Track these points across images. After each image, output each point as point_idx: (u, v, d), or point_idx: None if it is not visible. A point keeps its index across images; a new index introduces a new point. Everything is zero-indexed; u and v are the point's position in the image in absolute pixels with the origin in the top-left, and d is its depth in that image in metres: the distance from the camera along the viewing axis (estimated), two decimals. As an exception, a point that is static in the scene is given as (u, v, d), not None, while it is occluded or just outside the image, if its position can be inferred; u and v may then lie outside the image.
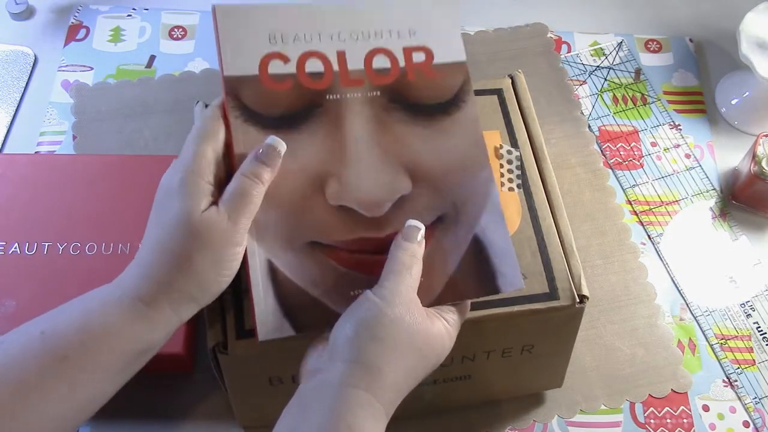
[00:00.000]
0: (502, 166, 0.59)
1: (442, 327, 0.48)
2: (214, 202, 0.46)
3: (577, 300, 0.54)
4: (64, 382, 0.44)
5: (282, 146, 0.48)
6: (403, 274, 0.47)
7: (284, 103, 0.49)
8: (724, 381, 0.68)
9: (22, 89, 0.83)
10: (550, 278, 0.54)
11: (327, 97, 0.49)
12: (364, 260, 0.49)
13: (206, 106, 0.61)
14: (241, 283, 0.54)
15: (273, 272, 0.48)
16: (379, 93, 0.50)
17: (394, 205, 0.49)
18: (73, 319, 0.45)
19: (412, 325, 0.46)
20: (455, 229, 0.50)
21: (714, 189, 0.79)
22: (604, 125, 0.83)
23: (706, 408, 0.67)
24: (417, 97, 0.51)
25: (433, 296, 0.49)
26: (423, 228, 0.49)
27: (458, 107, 0.52)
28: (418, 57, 0.52)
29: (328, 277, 0.48)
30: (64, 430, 0.45)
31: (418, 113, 0.51)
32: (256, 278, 0.48)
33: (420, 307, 0.47)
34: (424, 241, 0.49)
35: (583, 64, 0.87)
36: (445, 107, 0.51)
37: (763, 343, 0.70)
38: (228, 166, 0.48)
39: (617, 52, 0.88)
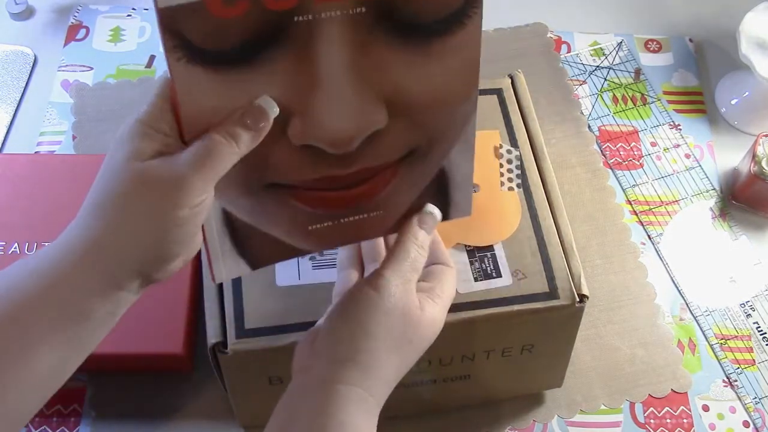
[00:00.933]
0: (501, 165, 0.59)
1: (434, 311, 0.47)
2: (167, 154, 0.39)
3: (577, 299, 0.54)
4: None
5: (274, 110, 0.40)
6: (404, 264, 0.46)
7: (238, 32, 0.38)
8: (724, 381, 0.68)
9: (22, 89, 0.83)
10: (550, 278, 0.54)
11: (294, 18, 0.38)
12: (326, 197, 0.45)
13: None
14: (241, 282, 0.54)
15: (228, 218, 0.44)
16: (364, 9, 0.39)
17: (365, 139, 0.42)
18: (15, 284, 0.39)
19: (405, 316, 0.45)
20: (423, 164, 0.46)
21: (714, 189, 0.79)
22: (604, 125, 0.83)
23: (706, 408, 0.67)
24: (414, 11, 0.40)
25: (388, 227, 0.48)
26: (440, 216, 0.48)
27: (462, 24, 0.41)
28: None
29: (289, 217, 0.45)
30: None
31: (411, 34, 0.40)
32: (211, 228, 0.44)
33: (414, 296, 0.46)
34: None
35: (583, 64, 0.87)
36: (447, 25, 0.41)
37: (763, 343, 0.70)
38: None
39: (617, 52, 0.88)
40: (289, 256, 0.48)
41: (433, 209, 0.48)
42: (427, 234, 0.47)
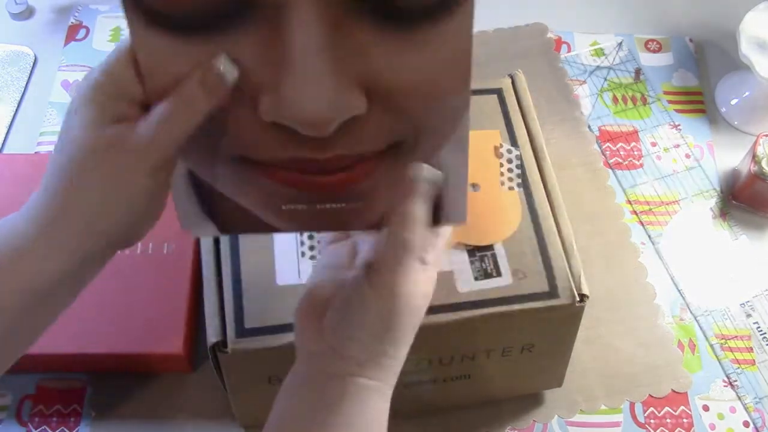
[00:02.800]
0: (502, 165, 0.59)
1: (428, 283, 0.44)
2: (126, 120, 0.39)
3: (578, 299, 0.54)
4: None
5: (233, 73, 0.38)
6: (406, 256, 0.42)
7: None
8: (724, 381, 0.68)
9: (22, 89, 0.83)
10: (551, 277, 0.54)
11: None
12: (299, 179, 0.42)
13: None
14: (240, 281, 0.54)
15: (196, 179, 0.43)
16: None
17: (342, 125, 0.39)
18: None
19: (413, 310, 0.44)
20: (409, 159, 0.43)
21: (714, 189, 0.79)
22: (604, 125, 0.83)
23: (706, 408, 0.67)
24: None
25: (369, 221, 0.46)
26: (425, 173, 0.43)
27: (450, 11, 0.38)
28: None
29: (259, 192, 0.43)
30: None
31: (392, 18, 0.37)
32: (177, 186, 0.43)
33: (419, 284, 0.43)
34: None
35: (583, 64, 0.87)
36: (432, 10, 0.38)
37: (763, 343, 0.70)
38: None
39: (617, 52, 0.88)
40: (263, 231, 0.45)
41: (417, 169, 0.42)
42: (420, 206, 0.42)
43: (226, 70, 0.37)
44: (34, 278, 0.40)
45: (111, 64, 0.38)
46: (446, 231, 0.46)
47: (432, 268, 0.44)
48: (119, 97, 0.39)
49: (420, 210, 0.42)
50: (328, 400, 0.43)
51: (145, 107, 0.39)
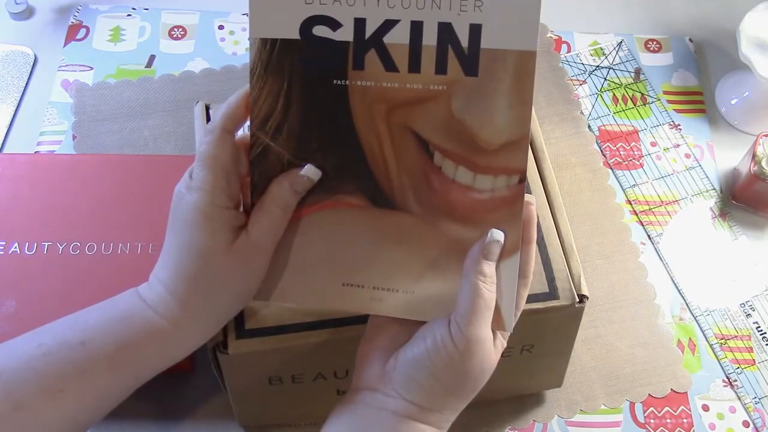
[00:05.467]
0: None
1: (498, 354, 0.46)
2: (241, 226, 0.46)
3: (577, 300, 0.54)
4: (93, 389, 0.45)
5: (317, 176, 0.46)
6: (484, 312, 0.44)
7: None
8: (723, 381, 0.68)
9: (22, 89, 0.83)
10: (550, 278, 0.54)
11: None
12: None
13: (206, 106, 0.62)
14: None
15: None
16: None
17: None
18: (107, 330, 0.46)
19: (483, 372, 0.45)
20: None
21: (714, 189, 0.79)
22: (603, 125, 0.83)
23: (705, 408, 0.67)
24: None
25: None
26: (502, 238, 0.45)
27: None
28: None
29: None
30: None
31: None
32: None
33: (491, 345, 0.45)
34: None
35: (583, 64, 0.87)
36: None
37: (763, 343, 0.70)
38: (240, 163, 0.47)
39: (617, 52, 0.88)
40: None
41: (498, 235, 0.45)
42: (492, 265, 0.45)
43: (313, 175, 0.46)
44: (173, 358, 0.48)
45: (208, 181, 0.45)
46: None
47: (500, 343, 0.46)
48: (227, 207, 0.45)
49: (490, 267, 0.45)
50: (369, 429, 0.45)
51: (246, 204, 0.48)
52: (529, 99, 0.43)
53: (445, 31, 0.44)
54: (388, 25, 0.44)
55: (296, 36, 0.45)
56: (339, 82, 0.45)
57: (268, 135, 0.47)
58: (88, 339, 0.45)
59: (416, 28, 0.44)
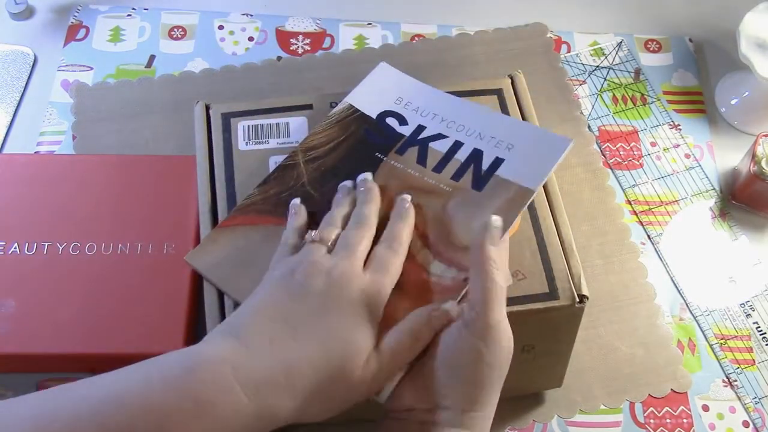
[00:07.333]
0: (501, 166, 0.60)
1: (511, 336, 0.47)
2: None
3: (577, 300, 0.54)
4: None
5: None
6: (499, 295, 0.46)
7: None
8: (723, 381, 0.68)
9: (22, 89, 0.83)
10: (550, 278, 0.54)
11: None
12: None
13: (207, 106, 0.62)
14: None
15: None
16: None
17: None
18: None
19: (507, 361, 0.46)
20: None
21: (714, 189, 0.79)
22: (603, 125, 0.83)
23: (705, 408, 0.67)
24: None
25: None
26: (501, 224, 0.48)
27: None
28: None
29: None
30: None
31: None
32: None
33: (508, 326, 0.46)
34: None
35: (583, 64, 0.87)
36: None
37: (763, 343, 0.70)
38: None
39: (617, 52, 0.88)
40: None
41: (497, 222, 0.48)
42: (496, 249, 0.47)
43: (454, 311, 0.47)
44: None
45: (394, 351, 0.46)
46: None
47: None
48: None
49: (497, 252, 0.47)
50: None
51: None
52: (511, 221, 0.52)
53: (476, 155, 0.56)
54: (438, 137, 0.58)
55: (373, 116, 0.59)
56: (379, 155, 0.57)
57: (305, 158, 0.57)
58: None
59: (456, 145, 0.57)
